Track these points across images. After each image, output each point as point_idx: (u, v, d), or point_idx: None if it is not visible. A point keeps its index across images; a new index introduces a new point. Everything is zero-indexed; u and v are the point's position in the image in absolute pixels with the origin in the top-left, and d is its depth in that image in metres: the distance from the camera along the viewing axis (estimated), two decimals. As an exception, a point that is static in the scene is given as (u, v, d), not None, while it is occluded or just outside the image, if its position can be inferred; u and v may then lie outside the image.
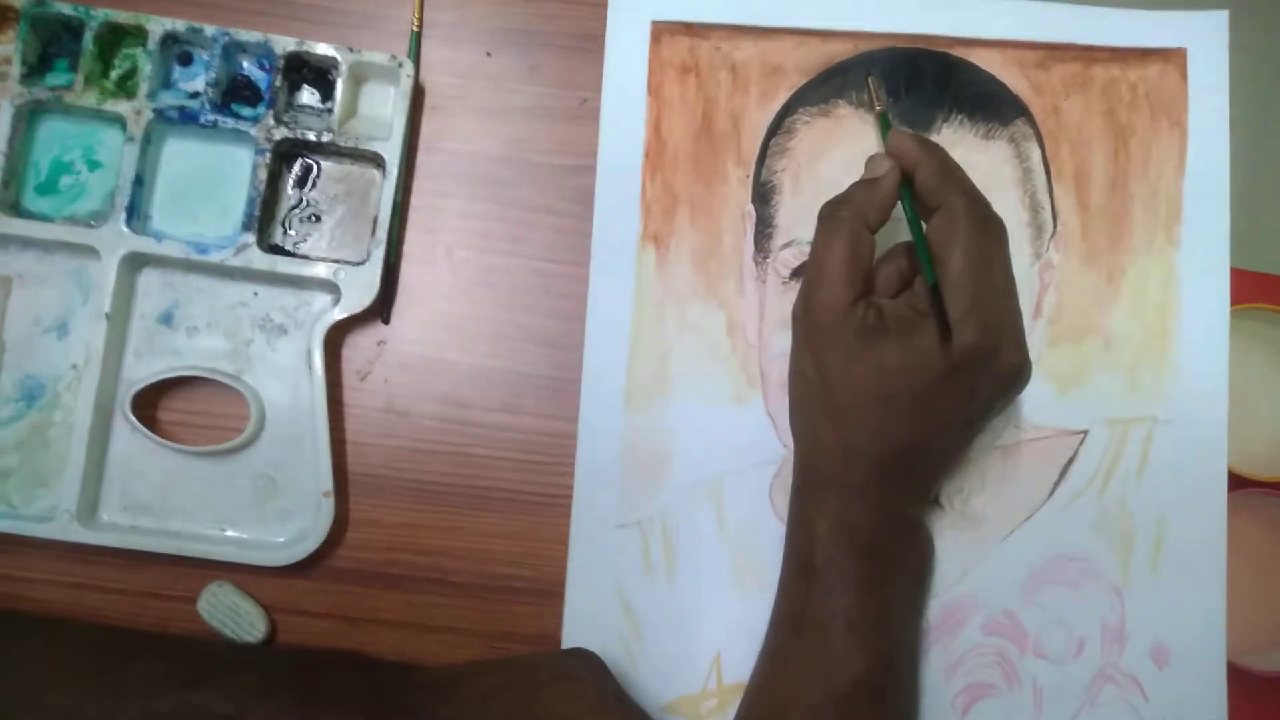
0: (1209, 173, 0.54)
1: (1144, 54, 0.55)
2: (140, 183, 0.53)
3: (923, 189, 0.47)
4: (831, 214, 0.47)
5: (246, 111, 0.54)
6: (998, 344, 0.45)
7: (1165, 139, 0.55)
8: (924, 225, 0.47)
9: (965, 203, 0.46)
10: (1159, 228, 0.54)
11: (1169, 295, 0.54)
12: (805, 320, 0.47)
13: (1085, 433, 0.53)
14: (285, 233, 0.55)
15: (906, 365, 0.45)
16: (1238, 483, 0.53)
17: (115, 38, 0.54)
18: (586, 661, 0.48)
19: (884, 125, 0.50)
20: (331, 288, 0.53)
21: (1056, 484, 0.53)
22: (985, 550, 0.52)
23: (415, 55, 0.55)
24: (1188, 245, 0.54)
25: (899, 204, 0.48)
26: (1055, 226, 0.54)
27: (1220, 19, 0.55)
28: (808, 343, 0.47)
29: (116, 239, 0.52)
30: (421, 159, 0.56)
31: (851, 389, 0.45)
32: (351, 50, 0.53)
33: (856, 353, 0.45)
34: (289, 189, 0.55)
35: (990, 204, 0.47)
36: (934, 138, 0.54)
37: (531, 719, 0.44)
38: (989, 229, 0.46)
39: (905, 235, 0.50)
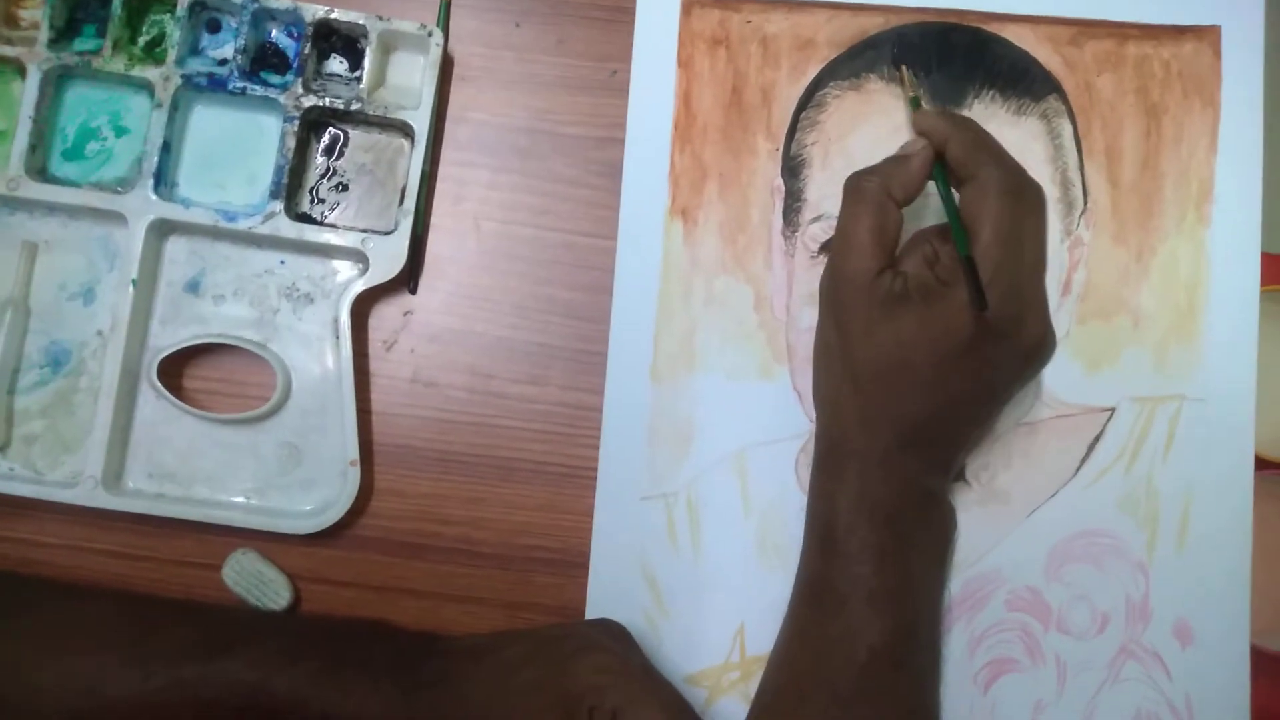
0: (1241, 152, 0.54)
1: (1178, 31, 0.55)
2: (168, 149, 0.53)
3: (954, 162, 0.47)
4: (857, 184, 0.47)
5: (275, 79, 0.54)
6: (1021, 316, 0.45)
7: (1198, 117, 0.54)
8: (957, 198, 0.47)
9: (998, 174, 0.45)
10: (1190, 206, 0.54)
11: (1199, 274, 0.53)
12: (830, 290, 0.47)
13: (1112, 410, 0.53)
14: (313, 201, 0.55)
15: (926, 334, 0.45)
16: (1263, 465, 0.53)
17: (143, 4, 0.54)
18: (613, 632, 0.48)
19: (914, 109, 0.51)
20: (359, 257, 0.53)
21: (1083, 461, 0.53)
22: (1010, 526, 0.52)
23: (445, 24, 0.55)
24: (1218, 224, 0.53)
25: (928, 183, 0.48)
26: (1086, 203, 0.54)
27: (1256, -5, 0.55)
28: (832, 312, 0.47)
29: (144, 205, 0.52)
30: (449, 129, 0.55)
31: (872, 357, 0.46)
32: (381, 18, 0.53)
33: (878, 321, 0.45)
34: (317, 157, 0.55)
35: (1026, 173, 0.46)
36: (965, 113, 0.53)
37: (560, 689, 0.44)
38: (1023, 199, 0.46)
39: (933, 211, 0.50)
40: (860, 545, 0.46)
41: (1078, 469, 0.53)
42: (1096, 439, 0.53)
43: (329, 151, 0.55)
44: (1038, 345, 0.46)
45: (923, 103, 0.52)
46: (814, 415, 0.52)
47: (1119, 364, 0.53)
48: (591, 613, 0.52)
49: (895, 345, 0.45)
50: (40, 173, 0.53)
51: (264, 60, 0.55)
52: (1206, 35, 0.55)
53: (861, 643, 0.45)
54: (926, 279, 0.46)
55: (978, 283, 0.44)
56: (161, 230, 0.53)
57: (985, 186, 0.45)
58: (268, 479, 0.53)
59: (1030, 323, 0.46)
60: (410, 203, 0.52)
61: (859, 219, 0.46)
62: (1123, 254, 0.54)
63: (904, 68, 0.53)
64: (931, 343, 0.45)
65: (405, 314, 0.55)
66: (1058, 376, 0.53)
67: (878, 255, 0.46)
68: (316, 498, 0.53)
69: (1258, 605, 0.52)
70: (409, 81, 0.55)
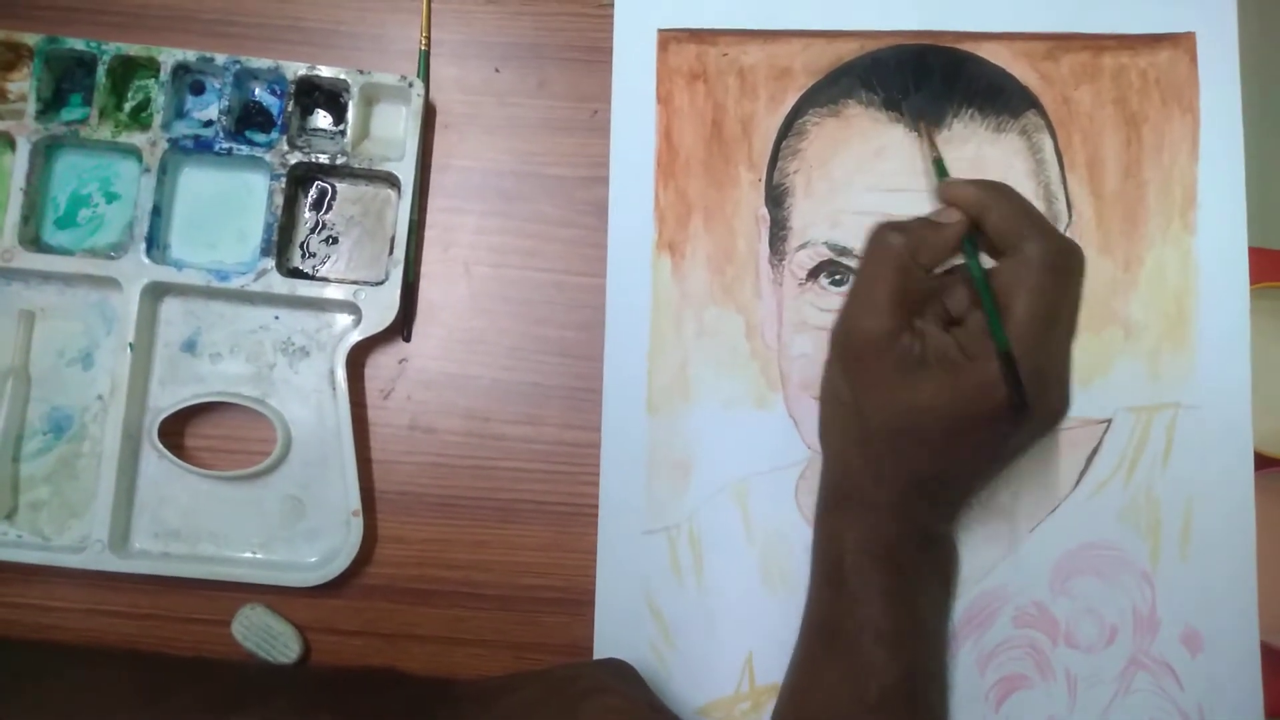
0: (1222, 156, 0.54)
1: (1153, 40, 0.55)
2: (158, 213, 0.53)
3: (995, 233, 0.45)
4: (883, 241, 0.45)
5: (260, 137, 0.55)
6: (1046, 392, 0.44)
7: (1177, 124, 0.54)
8: (982, 263, 0.45)
9: (1042, 248, 0.43)
10: (1174, 213, 0.54)
11: (1187, 280, 0.53)
12: (844, 344, 0.46)
13: (1109, 422, 0.53)
14: (304, 256, 0.55)
15: (945, 403, 0.43)
16: (1263, 462, 0.53)
17: (128, 70, 0.55)
18: (621, 672, 0.48)
19: (940, 172, 0.49)
20: (352, 308, 0.53)
21: (1082, 474, 0.53)
22: (1013, 542, 0.52)
23: (425, 74, 0.56)
24: (1204, 230, 0.54)
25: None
26: (1070, 217, 0.54)
27: (1228, 1, 0.55)
28: (845, 367, 0.46)
29: (137, 269, 0.52)
30: (435, 177, 0.56)
31: (886, 419, 0.45)
32: (361, 72, 0.54)
33: (895, 384, 0.44)
34: (305, 212, 0.55)
35: (1068, 240, 0.45)
36: (945, 133, 0.54)
37: (570, 732, 0.44)
38: (1067, 271, 0.44)
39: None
40: (868, 586, 0.46)
41: (1077, 482, 0.53)
42: (1094, 451, 0.53)
43: (317, 206, 0.55)
44: (1057, 414, 0.45)
45: (947, 167, 0.50)
46: (811, 442, 0.53)
47: (1112, 375, 0.53)
48: (599, 649, 0.52)
49: (910, 410, 0.44)
50: (34, 242, 0.54)
51: (248, 119, 0.55)
52: (1182, 42, 0.55)
53: (873, 683, 0.45)
54: (948, 349, 0.44)
55: (1018, 381, 0.42)
56: (156, 293, 0.54)
57: (1030, 261, 0.43)
58: (272, 533, 0.53)
59: (1054, 397, 0.45)
60: (400, 252, 0.53)
61: (880, 278, 0.45)
62: (1110, 265, 0.54)
63: (923, 126, 0.52)
64: (950, 412, 0.43)
65: (401, 362, 0.55)
66: (1052, 390, 0.53)
67: (896, 316, 0.44)
68: (321, 549, 0.53)
69: (1266, 603, 0.52)
70: (393, 132, 0.55)
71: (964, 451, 0.45)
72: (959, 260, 0.47)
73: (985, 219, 0.45)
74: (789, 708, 0.48)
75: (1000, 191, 0.46)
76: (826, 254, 0.54)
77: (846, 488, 0.47)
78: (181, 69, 0.54)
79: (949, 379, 0.43)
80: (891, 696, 0.45)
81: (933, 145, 0.51)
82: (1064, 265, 0.44)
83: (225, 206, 0.55)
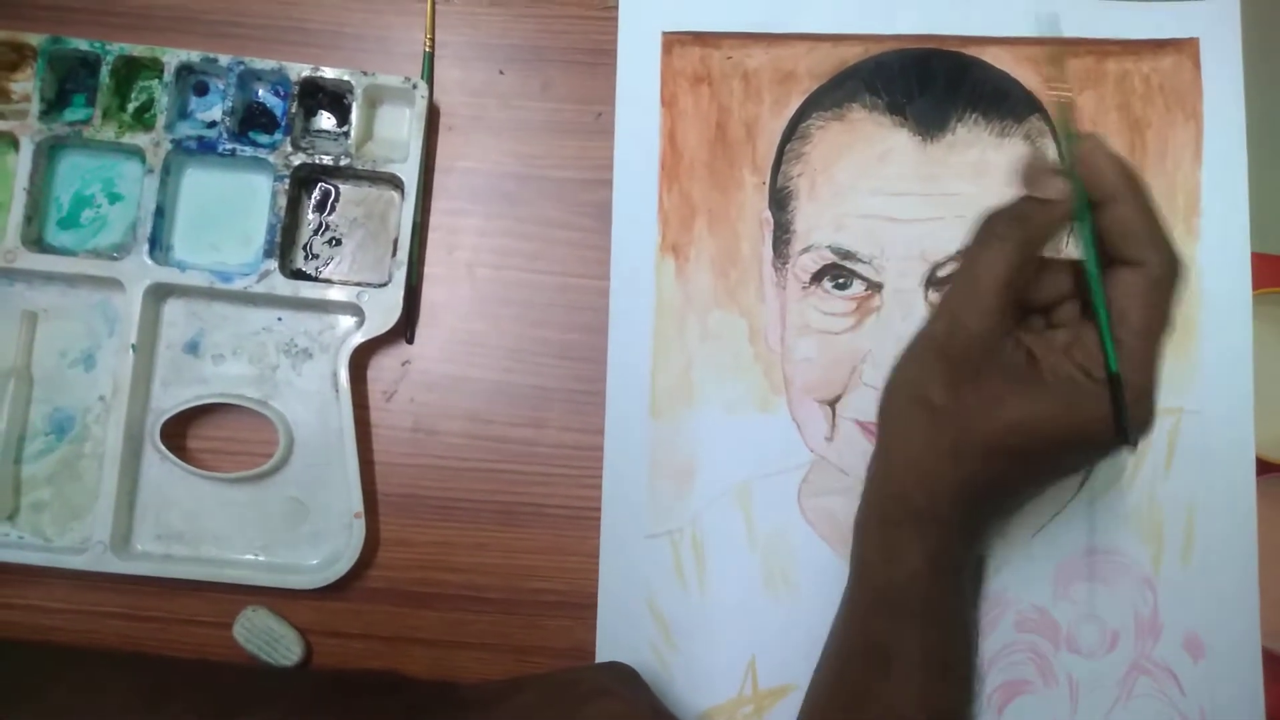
0: (1226, 162, 0.54)
1: (1157, 45, 0.55)
2: (161, 214, 0.53)
3: (1121, 230, 0.40)
4: (994, 230, 0.42)
5: (264, 139, 0.55)
6: (1142, 412, 0.41)
7: (1181, 130, 0.54)
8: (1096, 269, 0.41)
9: (1166, 263, 0.40)
10: (1178, 220, 0.54)
11: (1190, 286, 0.53)
12: (948, 345, 0.42)
13: (1111, 427, 0.53)
14: (307, 258, 0.55)
15: (1060, 427, 0.41)
16: (1264, 467, 0.53)
17: (131, 71, 0.55)
18: (623, 676, 0.48)
19: (1069, 135, 0.42)
20: (355, 310, 0.53)
21: (1085, 479, 0.53)
22: (1015, 547, 0.52)
23: (429, 76, 0.56)
24: (1207, 236, 0.54)
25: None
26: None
27: (1231, 6, 0.55)
28: (945, 370, 0.42)
29: (140, 270, 0.52)
30: (439, 179, 0.56)
31: (989, 436, 0.41)
32: (365, 74, 0.54)
33: (1006, 396, 0.41)
34: (309, 214, 0.55)
35: (1180, 252, 0.41)
36: (949, 138, 0.54)
37: (572, 735, 0.44)
38: (1182, 285, 0.41)
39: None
40: (935, 610, 0.43)
41: (1080, 487, 0.53)
42: (1097, 456, 0.53)
43: (320, 207, 0.55)
44: (1143, 433, 0.42)
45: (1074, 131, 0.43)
46: (814, 445, 0.53)
47: (1115, 380, 0.53)
48: (602, 653, 0.52)
49: (1020, 427, 0.41)
50: (37, 243, 0.54)
51: (252, 120, 0.55)
52: (1185, 48, 0.55)
53: (934, 707, 0.43)
54: (1067, 370, 0.41)
55: (1124, 407, 0.40)
56: (158, 294, 0.53)
57: (1155, 279, 0.40)
58: (275, 535, 0.53)
59: (1146, 416, 0.42)
60: (403, 254, 0.53)
61: (991, 269, 0.41)
62: (1113, 270, 0.54)
63: (1060, 100, 0.45)
64: (1060, 434, 0.41)
65: (404, 364, 0.55)
66: (1055, 395, 0.53)
67: (1006, 313, 0.41)
68: (323, 551, 0.53)
69: (1266, 608, 0.52)
70: (396, 133, 0.55)
71: (1054, 475, 0.44)
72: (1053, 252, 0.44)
73: (1113, 208, 0.41)
74: None
75: (1140, 183, 0.41)
76: (830, 258, 0.54)
77: (918, 502, 0.43)
78: (185, 70, 0.54)
79: (1067, 398, 0.41)
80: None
81: (1068, 121, 0.44)
82: (1180, 281, 0.41)
83: (228, 208, 0.55)
